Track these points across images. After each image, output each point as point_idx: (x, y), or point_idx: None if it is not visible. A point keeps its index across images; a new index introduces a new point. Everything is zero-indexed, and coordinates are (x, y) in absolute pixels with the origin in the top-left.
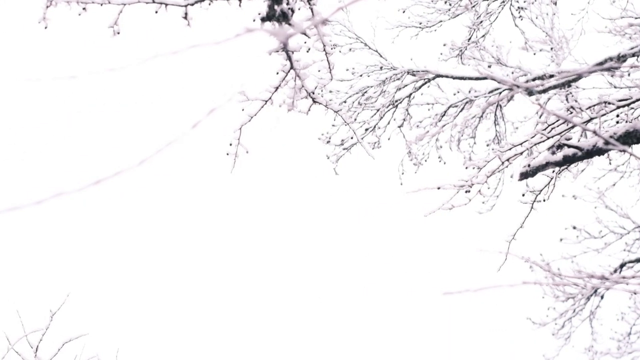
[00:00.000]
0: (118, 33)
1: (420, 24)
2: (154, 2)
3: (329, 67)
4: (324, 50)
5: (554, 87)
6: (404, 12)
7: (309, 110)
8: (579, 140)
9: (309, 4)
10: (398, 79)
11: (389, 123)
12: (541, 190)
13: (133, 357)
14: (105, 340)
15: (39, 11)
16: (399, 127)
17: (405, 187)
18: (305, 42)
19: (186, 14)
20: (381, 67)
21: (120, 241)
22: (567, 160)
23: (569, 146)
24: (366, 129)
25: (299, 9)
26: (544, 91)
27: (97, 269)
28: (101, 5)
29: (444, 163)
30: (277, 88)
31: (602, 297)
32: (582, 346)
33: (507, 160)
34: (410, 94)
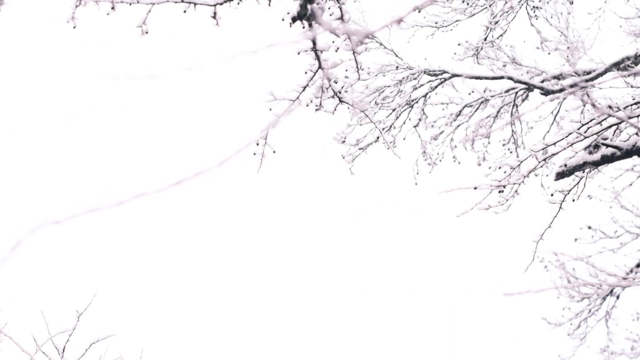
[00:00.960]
0: (146, 33)
1: (436, 23)
2: (182, 1)
3: (357, 67)
4: (352, 49)
5: (571, 86)
6: (419, 11)
7: (335, 110)
8: (611, 140)
9: (338, 2)
10: (415, 79)
11: (404, 123)
12: (570, 190)
13: (157, 358)
14: (129, 341)
15: (68, 11)
16: (415, 126)
17: (439, 188)
18: (333, 42)
19: (215, 13)
20: (397, 67)
21: (146, 242)
22: (605, 160)
23: (607, 146)
24: (382, 129)
25: (328, 8)
26: (560, 90)
27: (123, 269)
28: (130, 4)
29: (459, 163)
30: (304, 88)
31: (617, 297)
32: (598, 346)
33: (545, 160)
34: (426, 93)
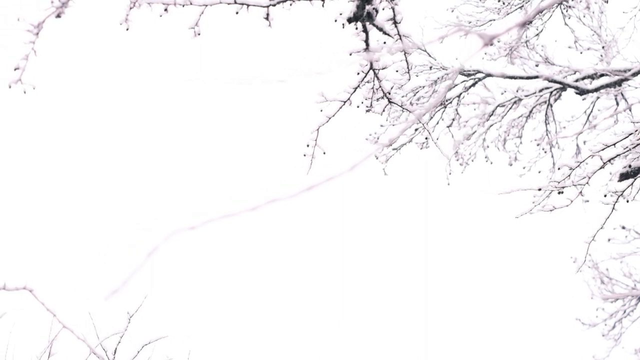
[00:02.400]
0: (199, 34)
1: (470, 23)
2: (235, 2)
3: (408, 68)
4: (403, 50)
5: (606, 86)
6: (452, 11)
7: (384, 110)
8: None
9: (391, 3)
10: (449, 79)
11: (437, 123)
12: (623, 191)
13: None
14: (176, 343)
15: (122, 13)
16: (448, 127)
17: (497, 188)
18: (385, 43)
19: (267, 14)
20: (430, 67)
21: (195, 243)
22: None
23: None
24: (415, 129)
25: (382, 9)
26: (595, 90)
27: (173, 271)
28: (183, 6)
29: (491, 163)
30: (355, 89)
31: None
32: (633, 347)
33: (609, 160)
34: (460, 93)
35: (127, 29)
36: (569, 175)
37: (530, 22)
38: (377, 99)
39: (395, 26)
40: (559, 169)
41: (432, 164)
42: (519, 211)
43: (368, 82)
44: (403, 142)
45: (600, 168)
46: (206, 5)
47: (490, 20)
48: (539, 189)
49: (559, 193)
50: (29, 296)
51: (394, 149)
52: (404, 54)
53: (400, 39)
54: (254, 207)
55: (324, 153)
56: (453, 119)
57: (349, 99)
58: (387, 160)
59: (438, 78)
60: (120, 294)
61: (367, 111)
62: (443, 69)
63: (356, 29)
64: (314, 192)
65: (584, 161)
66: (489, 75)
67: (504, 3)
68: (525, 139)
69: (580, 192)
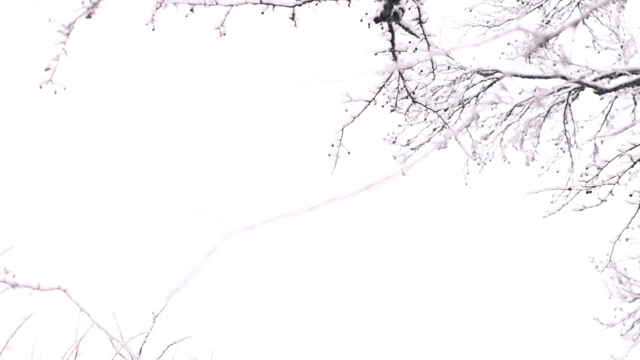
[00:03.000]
0: (224, 34)
1: (488, 22)
2: (261, 2)
3: (432, 68)
4: (428, 50)
5: (624, 85)
6: (470, 11)
7: (407, 110)
8: None
9: (417, 2)
10: (467, 79)
11: (455, 123)
12: None
13: None
14: (200, 343)
15: (148, 13)
16: (466, 126)
17: (527, 188)
18: (410, 42)
19: (293, 14)
20: (449, 67)
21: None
22: None
23: None
24: (434, 129)
25: (409, 9)
26: (613, 89)
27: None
28: (209, 6)
29: (509, 162)
30: (380, 88)
31: None
32: None
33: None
34: (479, 93)
35: (153, 29)
36: (597, 175)
37: (584, 21)
38: (401, 99)
39: (421, 26)
40: (587, 168)
41: (449, 164)
42: (546, 210)
43: (393, 81)
44: (421, 142)
45: (631, 167)
46: (232, 5)
47: (509, 20)
48: (569, 189)
49: (588, 192)
50: (63, 296)
51: (412, 149)
52: (431, 58)
53: (426, 38)
54: (312, 207)
55: (349, 153)
56: (471, 119)
57: (374, 98)
58: (405, 160)
59: (457, 77)
60: (180, 293)
61: (392, 111)
62: (461, 68)
63: (382, 28)
64: (372, 191)
65: (611, 160)
66: (507, 74)
67: (522, 2)
68: (543, 139)
69: (610, 191)
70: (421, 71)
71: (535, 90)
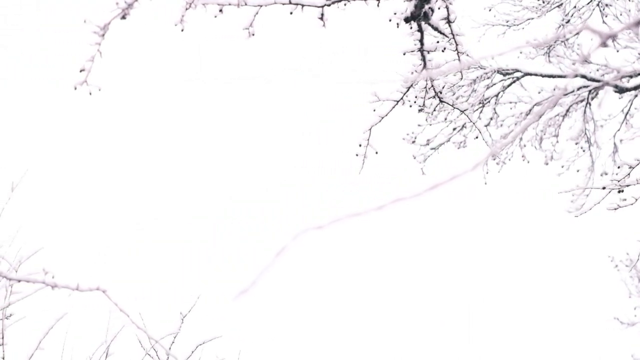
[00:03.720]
0: (253, 35)
1: (507, 22)
2: (290, 3)
3: (461, 68)
4: (457, 49)
5: None
6: (489, 10)
7: (434, 110)
8: None
9: (446, 2)
10: (487, 78)
11: (475, 122)
12: None
13: None
14: (227, 343)
15: (177, 13)
16: (486, 126)
17: (557, 187)
18: (438, 42)
19: (322, 14)
20: (468, 67)
21: (246, 243)
22: None
23: None
24: (454, 129)
25: (438, 9)
26: (634, 88)
27: (224, 271)
28: (238, 6)
29: (528, 162)
30: (409, 88)
31: None
32: None
33: None
34: (499, 92)
35: (182, 30)
36: (629, 174)
37: (604, 20)
38: (428, 98)
39: (449, 25)
40: (618, 167)
41: (468, 163)
42: (577, 209)
43: (420, 81)
44: (441, 142)
45: None
46: (261, 6)
47: (528, 19)
48: (604, 188)
49: (619, 192)
50: (102, 297)
51: (432, 149)
52: (457, 54)
53: (454, 38)
54: (380, 206)
55: (376, 153)
56: (491, 118)
57: (402, 98)
58: (425, 160)
59: (477, 77)
60: (249, 294)
61: (420, 110)
62: (481, 67)
63: (411, 28)
64: (438, 191)
65: None
66: (527, 74)
67: (543, 1)
68: (562, 138)
69: None
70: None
71: (554, 90)
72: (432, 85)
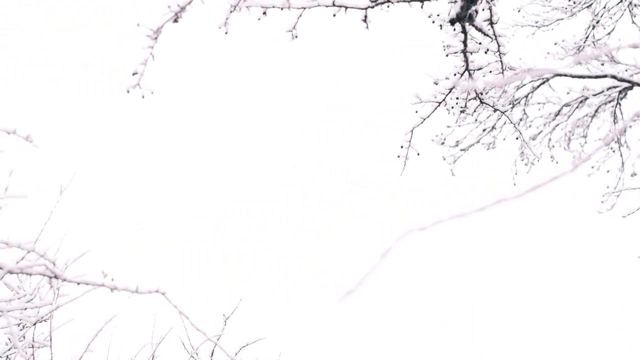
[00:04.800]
0: (296, 37)
1: (537, 22)
2: (334, 5)
3: (502, 69)
4: (498, 51)
5: None
6: (519, 11)
7: (475, 111)
8: None
9: (490, 3)
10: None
11: (504, 123)
12: None
13: None
14: (267, 344)
15: (222, 16)
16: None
17: (586, 188)
18: (480, 43)
19: (366, 16)
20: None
21: (246, 243)
22: None
23: None
24: (483, 130)
25: (482, 10)
26: None
27: (264, 273)
28: (281, 9)
29: (557, 162)
30: (451, 89)
31: None
32: None
33: None
34: (528, 93)
35: (226, 33)
36: None
37: (633, 20)
38: (470, 99)
39: (492, 27)
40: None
41: (497, 164)
42: (627, 210)
43: (462, 83)
44: (471, 143)
45: None
46: (304, 8)
47: (558, 20)
48: None
49: None
50: (162, 299)
51: (461, 150)
52: (499, 55)
53: (496, 39)
54: (482, 207)
55: (418, 154)
56: (520, 119)
57: (444, 99)
58: (455, 162)
59: (507, 78)
60: (355, 295)
61: (462, 112)
62: (511, 68)
63: (454, 29)
64: (538, 192)
65: None
66: (557, 75)
67: (574, 2)
68: (590, 139)
69: None
70: (490, 71)
71: (583, 90)
72: (474, 87)
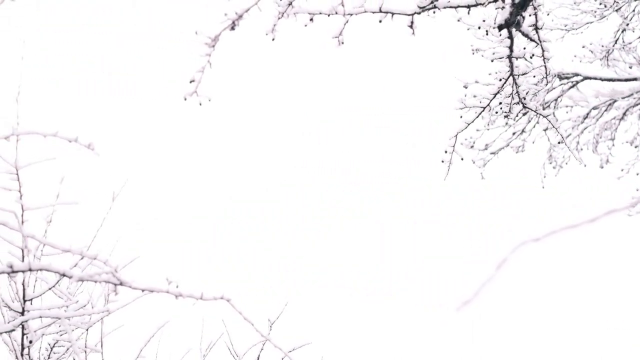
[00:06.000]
0: (342, 43)
1: (566, 26)
2: (380, 11)
3: (546, 74)
4: (543, 55)
5: None
6: (547, 14)
7: (517, 116)
8: None
9: (535, 9)
10: (548, 82)
11: (534, 126)
12: None
13: None
14: (309, 349)
15: (269, 23)
16: (545, 130)
17: (602, 190)
18: (524, 48)
19: (412, 22)
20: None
21: (246, 243)
22: None
23: None
24: (513, 133)
25: (529, 16)
26: None
27: (312, 279)
28: (328, 15)
29: (585, 166)
30: (495, 95)
31: None
32: None
33: None
34: (558, 97)
35: (273, 39)
36: None
37: None
38: (514, 104)
39: (537, 32)
40: None
41: (526, 167)
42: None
43: (506, 88)
44: (501, 147)
45: None
46: (351, 15)
47: (587, 23)
48: None
49: None
50: (226, 306)
51: (491, 153)
52: (544, 60)
53: (541, 44)
54: (594, 218)
55: (462, 159)
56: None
57: (488, 105)
58: (485, 165)
59: (537, 81)
60: (471, 305)
61: (506, 117)
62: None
63: (500, 35)
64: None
65: None
66: (587, 78)
67: (605, 6)
68: (618, 141)
69: None
70: (534, 76)
71: (612, 93)
72: (518, 92)
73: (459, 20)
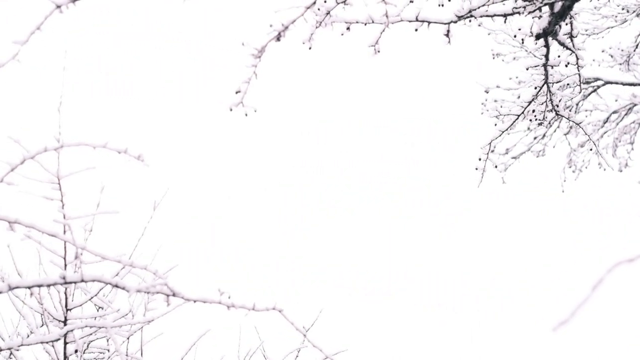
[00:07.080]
0: (378, 52)
1: (586, 31)
2: (417, 20)
3: (580, 81)
4: (577, 63)
5: None
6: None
7: (549, 123)
8: None
9: (570, 17)
10: (569, 87)
11: (555, 131)
12: None
13: None
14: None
15: (306, 32)
16: (565, 134)
17: (622, 193)
18: (559, 56)
19: (448, 31)
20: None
21: (246, 243)
22: None
23: None
24: (534, 137)
25: (565, 24)
26: None
27: (346, 285)
28: (365, 24)
29: (604, 169)
30: (530, 102)
31: None
32: None
33: None
34: (579, 101)
35: (310, 48)
36: None
37: None
38: (547, 111)
39: (571, 40)
40: None
41: (545, 171)
42: None
43: (540, 96)
44: (522, 151)
45: None
46: (387, 24)
47: (608, 28)
48: None
49: None
50: (279, 316)
51: (513, 158)
52: (578, 68)
53: (575, 52)
54: None
55: (495, 167)
56: (570, 127)
57: (522, 112)
58: (506, 169)
59: (560, 87)
60: (568, 326)
61: (540, 124)
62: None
63: (535, 43)
64: None
65: None
66: (608, 82)
67: (628, 11)
68: (637, 145)
69: None
70: (567, 84)
71: (631, 97)
72: (551, 99)
73: (489, 34)
